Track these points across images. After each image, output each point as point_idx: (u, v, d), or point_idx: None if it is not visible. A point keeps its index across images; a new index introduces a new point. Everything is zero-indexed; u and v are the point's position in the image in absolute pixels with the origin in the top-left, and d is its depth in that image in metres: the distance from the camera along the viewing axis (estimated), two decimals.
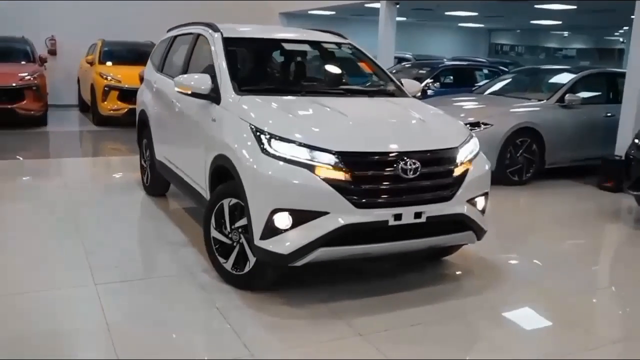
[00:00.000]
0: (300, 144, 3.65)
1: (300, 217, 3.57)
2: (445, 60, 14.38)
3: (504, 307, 4.01)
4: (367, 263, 4.55)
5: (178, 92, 4.50)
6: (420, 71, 10.87)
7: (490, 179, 4.35)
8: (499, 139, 7.45)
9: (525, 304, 4.11)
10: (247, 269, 3.94)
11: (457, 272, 4.61)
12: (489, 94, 8.96)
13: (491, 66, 12.19)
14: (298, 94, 4.45)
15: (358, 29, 17.25)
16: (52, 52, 14.48)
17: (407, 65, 11.95)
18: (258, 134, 3.76)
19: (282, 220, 3.58)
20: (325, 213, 3.57)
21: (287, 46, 5.10)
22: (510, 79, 9.48)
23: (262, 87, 4.60)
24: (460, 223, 4.01)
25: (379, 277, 4.39)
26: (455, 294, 4.17)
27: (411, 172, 3.73)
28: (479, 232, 4.17)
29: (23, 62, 11.52)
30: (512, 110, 7.89)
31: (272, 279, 3.97)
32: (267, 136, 3.72)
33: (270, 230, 3.60)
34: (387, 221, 3.67)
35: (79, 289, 3.98)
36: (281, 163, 3.62)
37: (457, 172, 3.98)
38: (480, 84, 10.27)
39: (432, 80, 10.29)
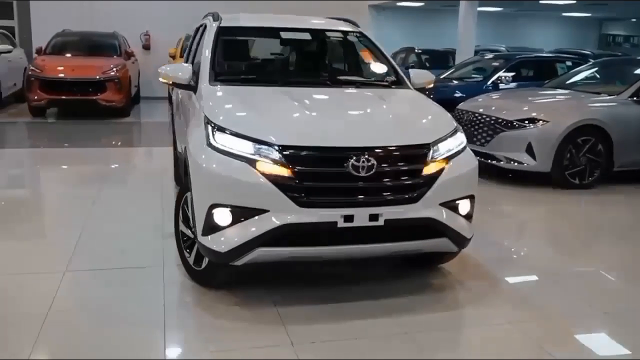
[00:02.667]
0: (244, 137, 3.44)
1: (240, 214, 3.37)
2: (543, 52, 13.35)
3: (471, 330, 3.53)
4: (351, 267, 4.25)
5: (162, 82, 4.45)
6: (494, 63, 10.12)
7: (476, 180, 3.88)
8: (556, 137, 6.71)
9: (505, 328, 3.56)
10: (203, 265, 3.81)
11: (445, 283, 4.15)
12: (559, 87, 8.13)
13: (578, 59, 11.08)
14: (275, 84, 4.22)
15: (450, 20, 16.50)
16: (146, 47, 15.23)
17: (482, 58, 11.19)
18: (207, 125, 3.61)
19: (222, 216, 3.40)
20: (265, 211, 3.34)
21: (287, 35, 4.87)
22: (586, 72, 8.55)
23: (239, 77, 4.44)
24: (431, 229, 3.60)
25: (353, 283, 4.07)
26: (425, 309, 3.73)
27: (364, 170, 3.39)
28: (458, 240, 3.73)
29: (109, 56, 12.17)
30: (574, 105, 7.09)
31: (223, 277, 3.80)
32: (214, 127, 3.55)
33: (210, 227, 3.43)
34: (335, 223, 3.37)
35: (47, 275, 4.05)
36: (222, 156, 3.43)
37: (427, 171, 3.57)
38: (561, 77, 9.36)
39: (506, 74, 9.52)
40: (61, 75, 11.10)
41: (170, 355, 3.10)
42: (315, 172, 3.38)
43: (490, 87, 9.35)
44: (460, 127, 3.96)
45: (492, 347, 3.31)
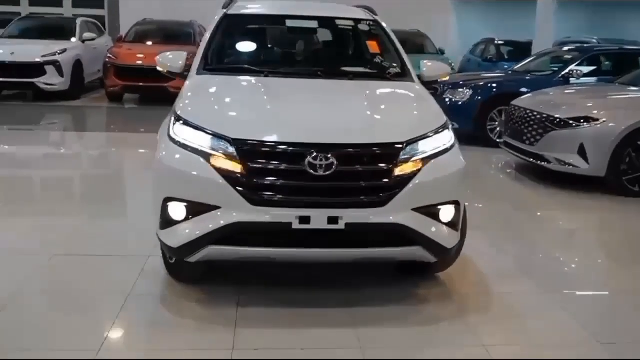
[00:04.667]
0: (201, 129, 3.30)
1: (192, 210, 3.25)
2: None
3: (434, 351, 3.17)
4: (335, 272, 4.01)
5: (159, 70, 4.41)
6: (567, 56, 9.30)
7: (463, 184, 3.51)
8: (612, 139, 6.03)
9: (476, 351, 3.16)
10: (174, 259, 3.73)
11: (430, 295, 3.79)
12: (632, 84, 7.32)
13: None
14: (261, 75, 4.03)
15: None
16: None
17: (556, 50, 10.33)
18: (171, 116, 3.51)
19: (176, 211, 3.29)
20: (217, 208, 3.19)
21: (293, 23, 4.66)
22: None
23: (226, 66, 4.30)
24: (401, 236, 3.29)
25: (331, 288, 3.82)
26: (394, 322, 3.41)
27: (321, 169, 3.15)
28: (436, 250, 3.39)
29: (184, 45, 12.45)
30: (637, 104, 6.34)
31: (189, 273, 3.70)
32: (176, 119, 3.44)
33: (165, 221, 3.34)
34: (289, 224, 3.16)
35: (31, 257, 4.12)
36: (179, 148, 3.32)
37: (398, 172, 3.26)
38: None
39: (578, 68, 8.72)
40: (135, 62, 11.52)
41: (105, 347, 3.04)
42: (268, 168, 3.18)
43: (561, 82, 8.60)
44: (449, 125, 3.59)
45: None
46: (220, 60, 4.41)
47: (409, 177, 3.27)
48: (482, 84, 9.06)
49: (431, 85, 4.37)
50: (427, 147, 3.37)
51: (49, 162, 7.66)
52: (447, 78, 4.47)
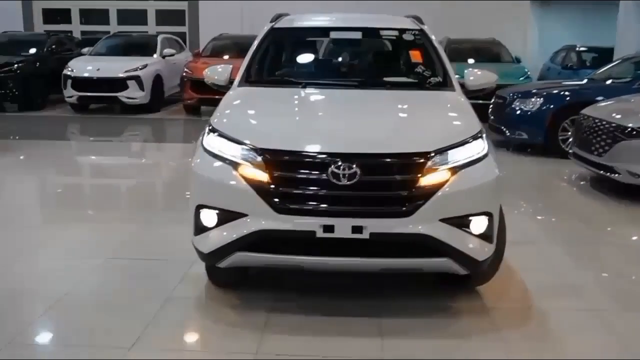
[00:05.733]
0: (231, 139, 3.41)
1: (223, 217, 3.35)
2: None
3: None
4: (368, 279, 4.00)
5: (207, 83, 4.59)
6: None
7: (496, 194, 3.41)
8: None
9: None
10: None
11: (464, 308, 3.68)
12: None
13: None
14: (298, 86, 4.10)
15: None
16: None
17: (637, 55, 9.71)
18: (207, 126, 3.64)
19: (208, 217, 3.41)
20: (244, 215, 3.28)
21: (337, 35, 4.70)
22: None
23: (267, 78, 4.40)
24: (427, 247, 3.24)
25: (363, 297, 3.81)
26: (419, 334, 3.36)
27: (345, 178, 3.16)
28: (466, 262, 3.31)
29: None
30: None
31: (226, 278, 3.81)
32: (209, 129, 3.57)
33: (199, 227, 3.46)
34: (313, 232, 3.19)
35: (86, 260, 4.39)
36: (210, 157, 3.44)
37: (423, 182, 3.21)
38: None
39: None
40: None
41: (136, 346, 3.19)
42: (293, 177, 3.24)
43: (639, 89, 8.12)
44: (483, 134, 3.50)
45: None
46: (262, 73, 4.53)
47: (436, 187, 3.22)
48: (554, 92, 8.72)
49: (476, 93, 4.29)
50: (456, 156, 3.31)
51: (123, 171, 8.10)
52: (493, 86, 4.35)
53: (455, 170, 3.27)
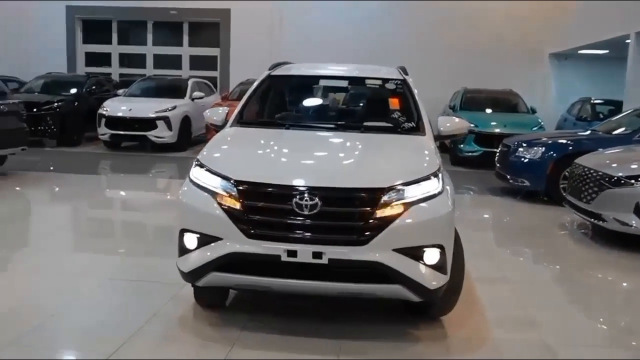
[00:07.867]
0: (212, 172, 3.85)
1: (202, 240, 3.76)
2: None
3: None
4: (343, 305, 4.34)
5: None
6: None
7: (448, 229, 3.74)
8: None
9: None
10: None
11: (423, 336, 3.97)
12: None
13: None
14: (282, 127, 4.57)
15: None
16: None
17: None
18: (194, 161, 4.11)
19: (190, 240, 3.82)
20: (219, 239, 3.70)
21: (325, 83, 5.19)
22: None
23: (257, 120, 4.87)
24: (380, 274, 3.59)
25: (332, 321, 4.15)
26: (375, 356, 3.68)
27: (307, 209, 3.56)
28: (417, 290, 3.63)
29: None
30: None
31: (210, 299, 4.22)
32: (195, 163, 4.03)
33: (182, 249, 3.88)
34: (278, 256, 3.58)
35: (89, 279, 4.86)
36: (195, 188, 3.88)
37: (379, 214, 3.58)
38: None
39: None
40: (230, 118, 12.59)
41: (117, 353, 3.59)
42: (262, 206, 3.65)
43: (639, 141, 8.34)
44: (441, 172, 3.86)
45: None
46: (252, 115, 5.01)
47: (390, 220, 3.58)
48: (556, 141, 9.00)
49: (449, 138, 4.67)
50: (411, 192, 3.66)
51: (145, 204, 8.67)
52: (465, 132, 4.72)
53: (409, 205, 3.63)
